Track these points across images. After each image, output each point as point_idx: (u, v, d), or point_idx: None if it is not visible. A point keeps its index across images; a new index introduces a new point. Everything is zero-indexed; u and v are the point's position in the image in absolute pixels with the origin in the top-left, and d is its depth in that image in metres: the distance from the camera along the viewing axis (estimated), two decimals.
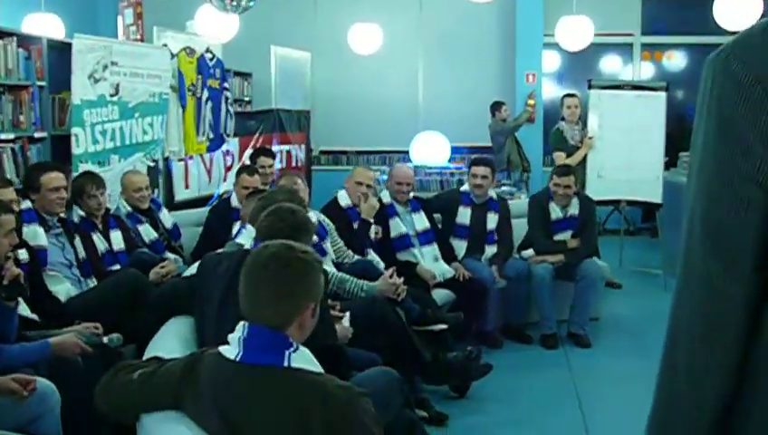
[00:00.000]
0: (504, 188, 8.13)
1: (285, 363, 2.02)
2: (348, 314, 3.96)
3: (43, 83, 5.85)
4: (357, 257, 5.22)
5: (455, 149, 9.89)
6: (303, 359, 2.07)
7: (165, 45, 6.84)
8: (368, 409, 1.99)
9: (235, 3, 6.09)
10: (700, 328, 1.14)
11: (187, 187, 7.28)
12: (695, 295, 1.15)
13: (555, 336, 5.96)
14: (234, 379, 2.03)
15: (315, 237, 4.87)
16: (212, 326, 2.73)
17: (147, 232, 5.46)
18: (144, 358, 2.54)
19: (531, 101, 10.27)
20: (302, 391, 1.97)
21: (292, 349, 2.05)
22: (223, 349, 2.09)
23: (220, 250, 3.63)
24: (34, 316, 4.01)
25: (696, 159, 1.18)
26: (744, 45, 1.12)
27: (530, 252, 6.20)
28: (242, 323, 2.09)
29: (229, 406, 2.02)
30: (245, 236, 3.79)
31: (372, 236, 5.58)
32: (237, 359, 2.05)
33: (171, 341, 2.86)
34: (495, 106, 9.76)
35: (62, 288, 4.42)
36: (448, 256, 5.93)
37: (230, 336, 2.10)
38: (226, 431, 2.00)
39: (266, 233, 2.83)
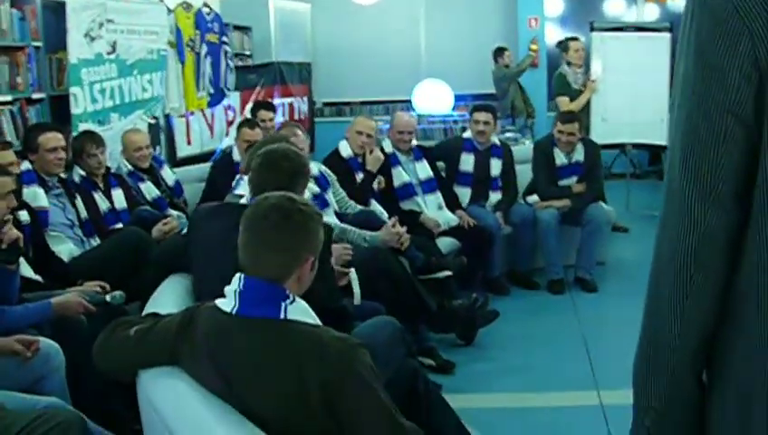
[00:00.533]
0: (508, 134, 8.07)
1: (282, 315, 2.01)
2: (353, 271, 3.93)
3: (38, 44, 5.77)
4: (360, 208, 5.19)
5: (458, 97, 9.84)
6: (300, 311, 2.05)
7: (161, 1, 6.75)
8: (365, 360, 1.98)
9: None
10: (682, 257, 1.14)
11: (189, 143, 7.25)
12: (676, 227, 1.14)
13: (562, 281, 5.95)
14: (229, 332, 2.02)
15: (317, 188, 4.88)
16: (208, 279, 2.71)
17: (149, 190, 5.44)
18: (143, 314, 2.53)
19: (534, 46, 10.13)
20: (298, 343, 1.96)
21: (288, 301, 2.04)
22: (219, 302, 2.08)
23: (213, 202, 3.60)
24: (38, 277, 4.02)
25: (677, 92, 1.16)
26: None
27: (535, 197, 6.16)
28: (238, 275, 2.07)
29: (225, 360, 2.01)
30: (244, 187, 3.75)
31: (375, 186, 5.55)
32: (233, 312, 2.03)
33: (169, 297, 2.85)
34: (498, 52, 9.66)
35: (65, 248, 4.42)
36: (452, 203, 5.90)
37: (226, 289, 2.08)
38: (223, 385, 2.00)
39: (259, 184, 2.79)
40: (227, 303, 2.06)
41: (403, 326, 3.28)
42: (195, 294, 2.90)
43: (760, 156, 1.08)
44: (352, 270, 3.91)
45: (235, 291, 2.04)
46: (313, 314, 2.08)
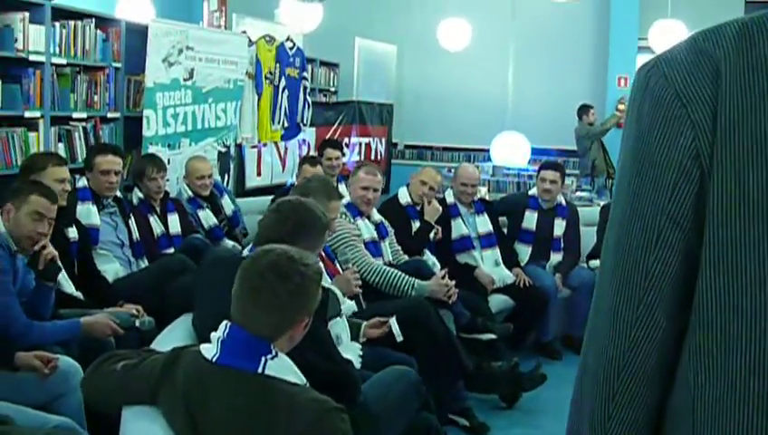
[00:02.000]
0: (582, 193, 7.88)
1: (260, 370, 1.95)
2: (393, 318, 3.85)
3: (118, 65, 5.93)
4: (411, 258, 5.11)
5: (540, 151, 9.70)
6: (281, 367, 1.99)
7: (244, 32, 6.85)
8: (339, 426, 1.89)
9: None
10: (606, 373, 1.00)
11: (259, 174, 7.30)
12: (603, 339, 1.00)
13: None
14: (206, 379, 1.98)
15: (375, 235, 4.83)
16: (206, 324, 2.66)
17: (207, 217, 5.47)
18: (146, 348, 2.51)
19: (621, 106, 9.94)
20: (270, 401, 1.90)
21: (270, 356, 1.98)
22: (203, 347, 2.04)
23: (227, 250, 3.56)
24: (78, 294, 4.06)
25: (616, 184, 1.05)
26: (669, 60, 0.97)
27: (597, 262, 5.95)
28: (224, 322, 2.03)
29: (197, 406, 1.97)
30: None
31: (431, 236, 5.46)
32: (214, 360, 1.99)
33: (176, 335, 2.82)
34: (583, 109, 9.52)
35: (111, 268, 4.47)
36: (511, 261, 5.76)
37: (212, 335, 2.04)
38: (190, 431, 1.94)
39: (263, 231, 2.73)
40: (210, 349, 2.02)
41: (421, 379, 3.21)
42: (196, 336, 2.87)
43: (700, 265, 0.94)
44: (393, 318, 3.84)
45: (219, 338, 2.00)
46: (297, 371, 2.01)
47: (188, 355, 2.07)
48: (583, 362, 1.05)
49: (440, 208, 5.48)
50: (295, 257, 2.09)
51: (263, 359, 1.96)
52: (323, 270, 2.40)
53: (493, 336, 4.79)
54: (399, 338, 3.80)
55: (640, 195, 0.97)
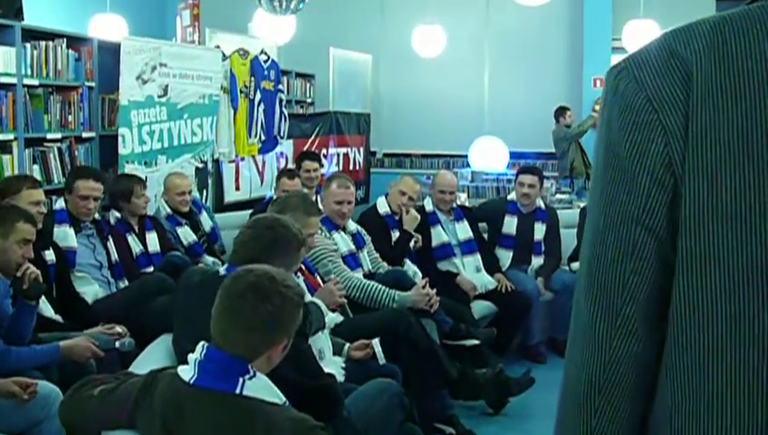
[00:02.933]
0: (560, 196, 7.90)
1: (238, 390, 1.94)
2: (377, 340, 3.83)
3: (92, 84, 5.90)
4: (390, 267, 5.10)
5: (518, 154, 9.73)
6: (260, 387, 1.98)
7: (217, 47, 6.83)
8: None
9: (283, 5, 6.05)
10: (586, 387, 0.98)
11: (237, 189, 7.27)
12: (581, 352, 0.98)
13: None
14: (184, 401, 1.96)
15: (353, 246, 4.81)
16: (183, 345, 2.64)
17: (186, 235, 5.45)
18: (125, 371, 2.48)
19: (597, 107, 9.97)
20: (249, 422, 1.88)
21: (248, 376, 1.96)
22: (181, 369, 2.02)
23: (202, 268, 3.54)
24: (58, 317, 4.02)
25: (590, 193, 1.02)
26: (639, 63, 0.94)
27: (578, 264, 5.97)
28: (201, 343, 2.01)
29: (176, 429, 1.95)
30: None
31: (412, 245, 5.45)
32: (191, 382, 1.97)
33: (154, 356, 2.80)
34: (559, 111, 9.56)
35: (90, 290, 4.43)
36: (492, 266, 5.76)
37: (189, 356, 2.02)
38: None
39: (238, 248, 2.72)
40: (187, 371, 2.00)
41: (404, 391, 3.21)
42: (176, 356, 2.84)
43: (675, 275, 0.91)
44: (375, 341, 3.82)
45: (196, 360, 1.98)
46: (275, 389, 2.00)
47: (166, 378, 2.05)
48: (565, 375, 1.03)
49: (419, 217, 5.47)
50: (276, 278, 2.08)
51: (240, 380, 1.94)
52: (305, 291, 2.39)
53: (476, 342, 4.79)
54: (382, 361, 3.77)
55: (613, 204, 0.95)
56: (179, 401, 1.97)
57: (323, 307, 3.54)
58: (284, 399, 2.01)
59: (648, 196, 0.92)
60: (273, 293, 2.03)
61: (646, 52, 0.95)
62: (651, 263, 0.93)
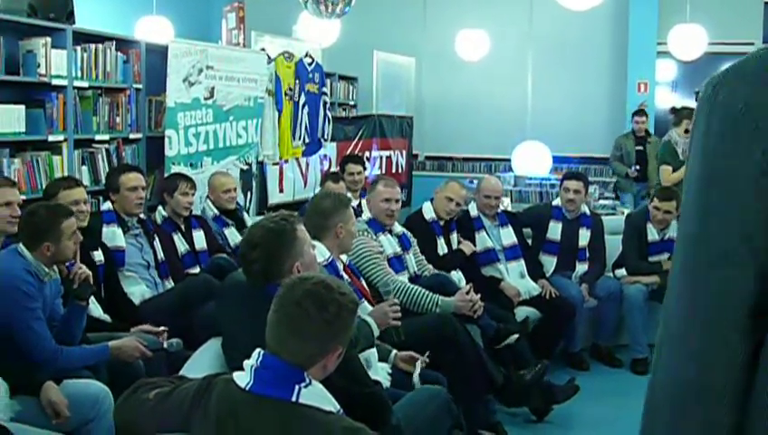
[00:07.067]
0: (605, 201, 7.81)
1: (294, 398, 1.94)
2: (419, 362, 3.75)
3: (139, 86, 5.97)
4: (435, 271, 5.07)
5: (561, 159, 9.64)
6: (315, 395, 1.98)
7: (263, 50, 6.87)
8: None
9: (330, 8, 6.07)
10: (680, 398, 0.98)
11: (281, 191, 7.31)
12: (672, 360, 0.99)
13: (646, 361, 5.65)
14: (240, 408, 1.97)
15: (399, 248, 4.80)
16: (235, 349, 2.66)
17: (233, 236, 5.46)
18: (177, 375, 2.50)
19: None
20: (303, 429, 1.89)
21: (303, 383, 1.97)
22: (236, 375, 2.03)
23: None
24: (106, 317, 4.07)
25: (683, 204, 1.02)
26: (737, 72, 0.95)
27: (623, 271, 5.93)
28: (258, 350, 2.02)
29: (230, 434, 1.95)
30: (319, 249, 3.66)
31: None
32: (247, 388, 1.98)
33: (204, 360, 2.81)
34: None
35: (137, 290, 4.48)
36: (536, 272, 5.73)
37: (245, 362, 2.03)
38: None
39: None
40: (243, 377, 2.00)
41: (452, 398, 3.17)
42: (225, 360, 2.86)
43: None
44: (419, 362, 3.73)
45: (252, 367, 1.99)
46: (331, 398, 2.00)
47: (221, 383, 2.05)
48: (654, 380, 1.03)
49: (474, 248, 5.52)
50: (332, 286, 2.09)
51: (296, 387, 1.95)
52: (358, 300, 2.40)
53: (516, 335, 4.74)
54: (417, 386, 3.68)
55: (709, 213, 0.95)
56: (234, 407, 1.98)
57: (374, 326, 3.53)
58: (339, 407, 2.01)
59: (746, 204, 0.92)
60: (329, 301, 2.04)
61: (744, 63, 0.96)
62: (746, 270, 0.93)
